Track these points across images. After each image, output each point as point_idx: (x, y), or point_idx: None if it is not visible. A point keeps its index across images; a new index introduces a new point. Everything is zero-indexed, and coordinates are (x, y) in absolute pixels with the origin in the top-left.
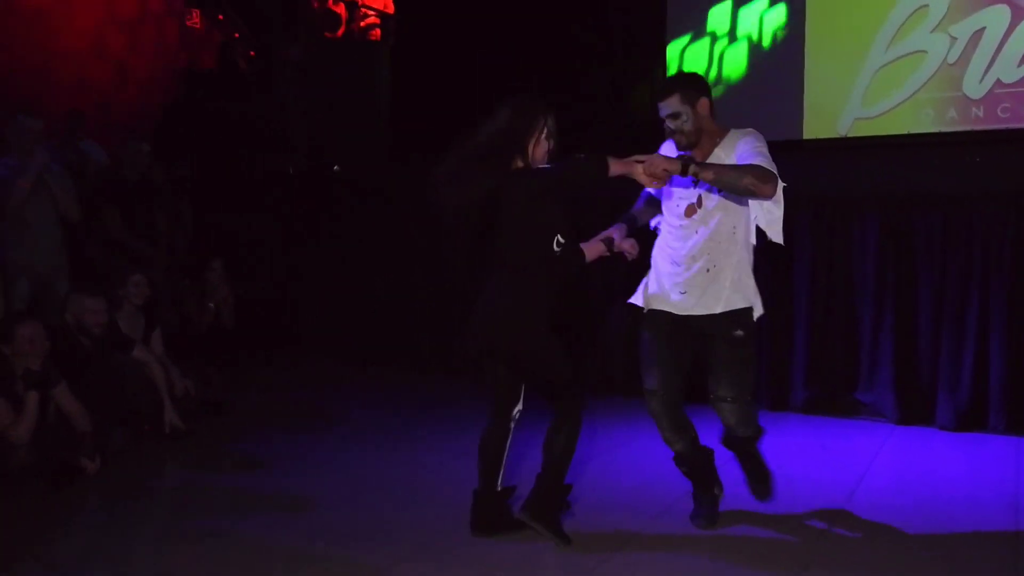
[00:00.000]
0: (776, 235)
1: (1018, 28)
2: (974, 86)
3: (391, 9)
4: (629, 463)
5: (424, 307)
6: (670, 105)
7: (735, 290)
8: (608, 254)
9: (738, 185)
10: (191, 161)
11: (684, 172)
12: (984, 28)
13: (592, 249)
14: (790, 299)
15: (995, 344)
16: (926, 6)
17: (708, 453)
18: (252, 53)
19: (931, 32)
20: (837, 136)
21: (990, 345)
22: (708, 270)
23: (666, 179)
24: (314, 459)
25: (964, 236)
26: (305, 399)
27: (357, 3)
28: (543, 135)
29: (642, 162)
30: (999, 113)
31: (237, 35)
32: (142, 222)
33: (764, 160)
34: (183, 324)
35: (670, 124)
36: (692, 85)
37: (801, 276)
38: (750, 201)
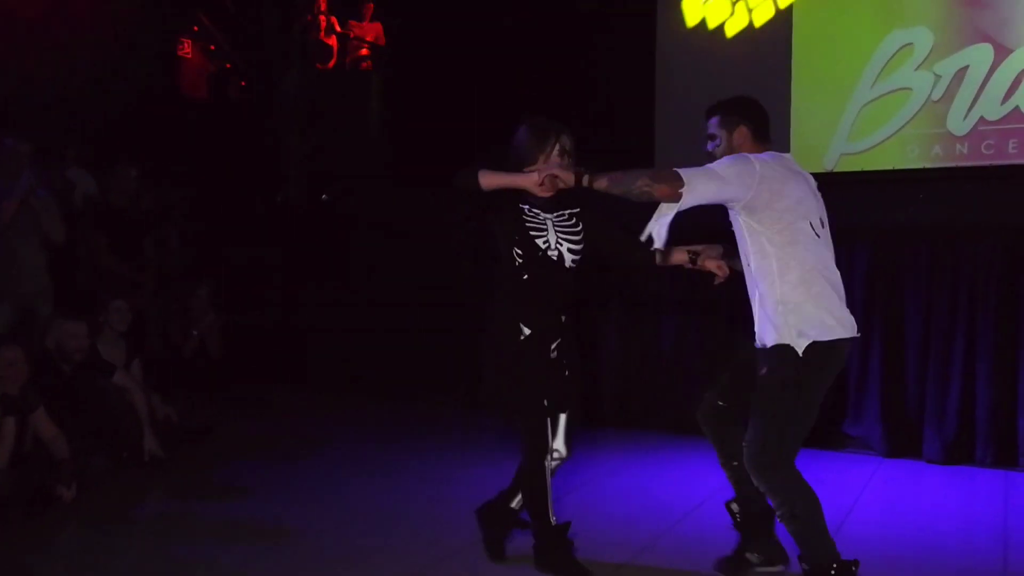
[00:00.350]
0: (658, 238)
1: (1001, 66)
2: (958, 123)
3: (382, 41)
4: (616, 494)
5: (420, 336)
6: (710, 126)
7: (769, 325)
8: (690, 266)
9: (632, 189)
10: (183, 188)
11: (578, 181)
12: (968, 66)
13: (672, 255)
14: None
15: (982, 377)
16: (911, 44)
17: (763, 507)
18: (243, 83)
19: (916, 70)
20: (823, 171)
21: (976, 378)
22: (751, 302)
23: (553, 187)
24: (299, 488)
25: (950, 270)
26: (293, 428)
27: (349, 35)
28: (555, 151)
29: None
30: (983, 150)
31: (229, 65)
32: (129, 248)
33: (698, 170)
34: (167, 350)
35: (708, 144)
36: (735, 110)
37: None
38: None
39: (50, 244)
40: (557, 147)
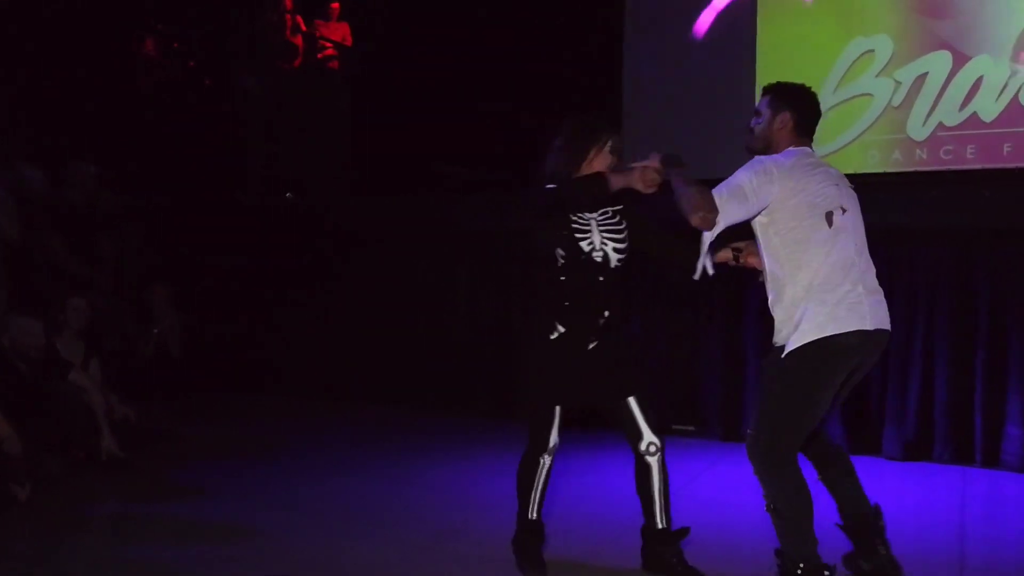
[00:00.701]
0: (710, 268)
1: (959, 73)
2: (917, 129)
3: (349, 42)
4: (582, 493)
5: (384, 340)
6: (760, 103)
7: (777, 324)
8: (734, 263)
9: (678, 202)
10: (143, 187)
11: (665, 164)
12: (927, 73)
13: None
14: (741, 331)
15: (940, 377)
16: (872, 51)
17: (865, 510)
18: (208, 82)
19: (876, 76)
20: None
21: (935, 378)
22: (769, 302)
23: (656, 180)
24: (261, 490)
25: (908, 273)
26: (258, 431)
27: (315, 35)
28: (606, 148)
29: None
30: (942, 155)
31: (192, 64)
32: (86, 246)
33: (724, 188)
34: (127, 350)
35: (752, 120)
36: (786, 96)
37: (752, 309)
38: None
39: (5, 241)
40: (609, 145)
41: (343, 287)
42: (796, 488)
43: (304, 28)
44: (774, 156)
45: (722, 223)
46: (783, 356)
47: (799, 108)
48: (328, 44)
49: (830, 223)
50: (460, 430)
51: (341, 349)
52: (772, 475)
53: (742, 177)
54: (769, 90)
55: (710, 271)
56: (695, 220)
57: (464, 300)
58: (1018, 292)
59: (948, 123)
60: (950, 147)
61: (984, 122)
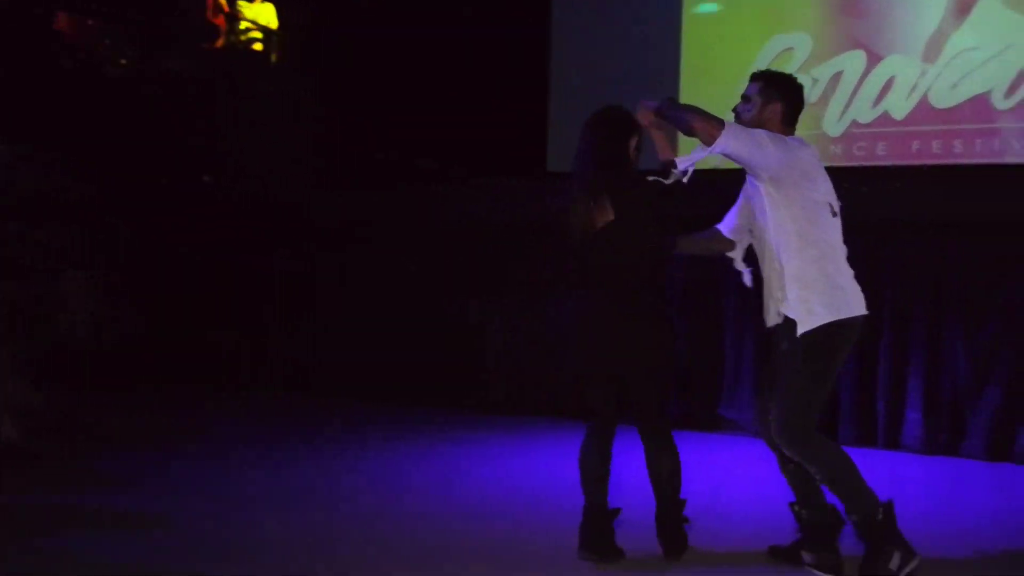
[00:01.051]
0: (687, 172)
1: (872, 72)
2: (833, 125)
3: (274, 24)
4: (524, 475)
5: (311, 328)
6: (749, 88)
7: (786, 300)
8: None
9: (681, 116)
10: (60, 170)
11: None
12: (842, 71)
13: None
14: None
15: (846, 362)
16: (791, 49)
17: (832, 519)
18: (123, 61)
19: (795, 73)
20: (709, 168)
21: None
22: (769, 275)
23: (648, 116)
24: (175, 477)
25: None
26: (172, 421)
27: (237, 16)
28: (637, 142)
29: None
30: (855, 151)
31: (107, 41)
32: (22, 232)
33: (741, 127)
34: (36, 336)
35: (739, 105)
36: (778, 85)
37: (686, 306)
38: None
39: None
40: (636, 141)
41: (287, 277)
42: (835, 451)
43: (226, 9)
44: (790, 137)
45: (722, 144)
46: (800, 336)
47: (789, 99)
48: (252, 26)
49: (834, 215)
50: (405, 421)
51: (287, 339)
52: (812, 449)
53: (759, 131)
54: (760, 77)
55: (687, 175)
56: (700, 126)
57: (429, 292)
58: (920, 283)
59: (861, 120)
60: (863, 144)
61: (895, 120)
